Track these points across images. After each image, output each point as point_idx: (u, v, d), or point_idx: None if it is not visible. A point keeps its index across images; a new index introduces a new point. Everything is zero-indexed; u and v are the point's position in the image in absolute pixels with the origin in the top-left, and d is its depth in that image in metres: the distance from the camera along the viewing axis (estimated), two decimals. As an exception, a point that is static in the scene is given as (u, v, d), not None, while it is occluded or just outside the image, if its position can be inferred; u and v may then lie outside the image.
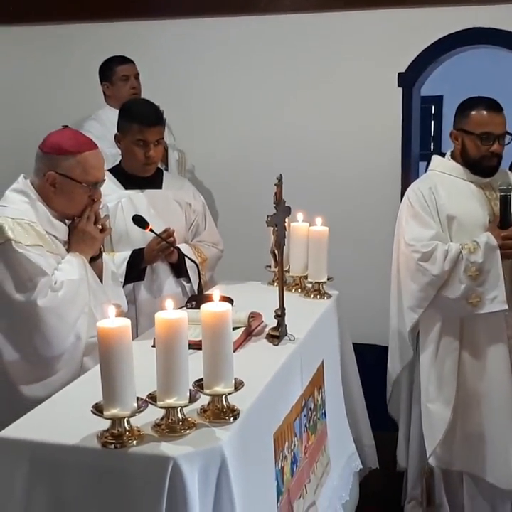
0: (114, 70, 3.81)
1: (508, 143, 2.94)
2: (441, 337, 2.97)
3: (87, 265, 2.44)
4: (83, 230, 2.45)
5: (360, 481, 2.90)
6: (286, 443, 2.13)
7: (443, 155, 3.13)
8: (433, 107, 6.53)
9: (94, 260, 2.51)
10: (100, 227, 2.49)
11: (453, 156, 3.03)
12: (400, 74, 3.93)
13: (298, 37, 4.05)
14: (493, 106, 2.91)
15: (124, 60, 3.83)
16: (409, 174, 4.01)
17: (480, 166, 2.93)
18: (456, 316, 2.95)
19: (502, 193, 2.90)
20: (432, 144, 6.61)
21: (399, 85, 3.94)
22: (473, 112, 2.91)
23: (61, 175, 2.38)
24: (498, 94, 2.99)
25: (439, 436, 2.96)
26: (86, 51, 4.27)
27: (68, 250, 2.44)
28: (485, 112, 2.89)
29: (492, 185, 2.98)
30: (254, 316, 2.41)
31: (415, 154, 4.11)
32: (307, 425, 2.36)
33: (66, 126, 2.50)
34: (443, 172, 3.02)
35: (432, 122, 6.59)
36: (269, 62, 4.10)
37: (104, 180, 2.50)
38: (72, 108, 4.02)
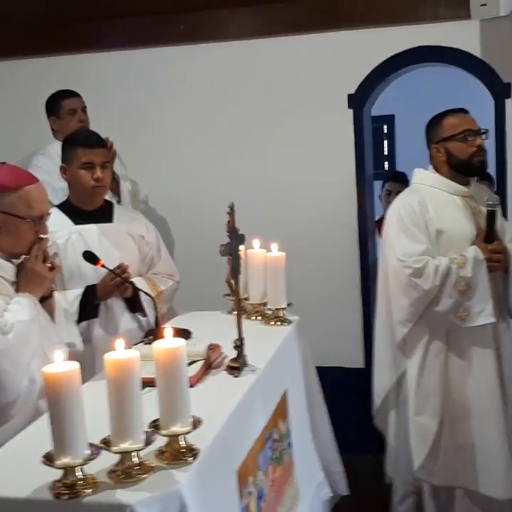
0: (60, 104, 3.76)
1: (486, 138, 3.01)
2: (428, 349, 2.97)
3: (38, 305, 2.36)
4: (32, 270, 2.37)
5: (331, 509, 2.85)
6: (251, 478, 2.07)
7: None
8: (385, 127, 6.58)
9: (45, 300, 2.43)
10: (50, 265, 2.42)
11: (438, 171, 3.05)
12: (349, 95, 3.95)
13: (245, 63, 4.05)
14: (460, 109, 3.04)
15: (70, 93, 3.78)
16: (364, 194, 4.02)
17: (471, 164, 2.97)
18: (443, 328, 2.96)
19: (489, 208, 2.95)
20: (387, 163, 6.66)
21: (349, 107, 3.96)
22: (447, 119, 3.01)
23: (4, 213, 2.30)
24: (449, 112, 3.07)
25: (426, 448, 2.95)
26: (32, 85, 4.21)
27: (17, 290, 2.36)
28: (456, 115, 3.01)
29: (474, 198, 3.03)
30: (212, 348, 2.36)
31: (369, 174, 4.12)
32: (273, 457, 2.30)
33: (3, 162, 2.43)
34: (429, 185, 3.04)
35: (385, 142, 6.64)
36: (217, 89, 4.09)
37: (49, 213, 2.43)
38: (19, 143, 3.95)
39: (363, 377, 3.53)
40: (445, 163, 3.01)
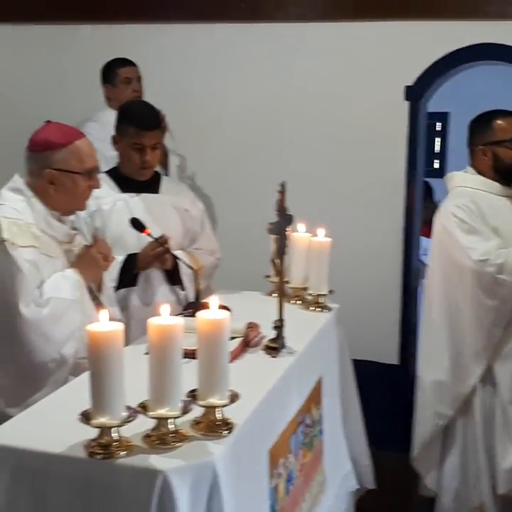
0: (116, 72, 3.76)
1: None
2: None
3: (84, 288, 2.35)
4: (91, 255, 2.40)
5: (356, 501, 2.81)
6: (282, 460, 2.04)
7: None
8: (439, 124, 6.46)
9: None
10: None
11: (481, 172, 2.98)
12: (407, 87, 3.87)
13: (303, 46, 3.99)
14: (510, 112, 2.95)
15: (126, 62, 3.78)
16: (414, 189, 3.94)
17: None
18: None
19: None
20: (439, 161, 6.53)
21: (406, 98, 3.88)
22: (498, 122, 2.92)
23: (57, 169, 2.30)
24: (505, 111, 3.01)
25: None
26: (89, 52, 4.20)
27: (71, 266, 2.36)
28: (507, 119, 2.92)
29: None
30: (251, 326, 2.33)
31: (420, 170, 4.04)
32: (304, 442, 2.27)
33: (48, 121, 2.44)
34: (473, 188, 2.96)
35: (438, 139, 6.51)
36: (273, 70, 4.04)
37: (99, 168, 2.44)
38: (73, 109, 3.93)
39: (396, 373, 3.49)
40: (490, 166, 2.94)
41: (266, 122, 4.07)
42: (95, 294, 2.45)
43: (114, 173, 2.99)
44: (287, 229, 2.33)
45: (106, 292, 2.55)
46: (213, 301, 1.75)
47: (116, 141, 2.95)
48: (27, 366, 2.21)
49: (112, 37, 4.17)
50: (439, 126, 6.50)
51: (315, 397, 2.43)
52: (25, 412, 1.83)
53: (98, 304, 2.42)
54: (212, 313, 1.71)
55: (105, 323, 1.58)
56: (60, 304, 2.23)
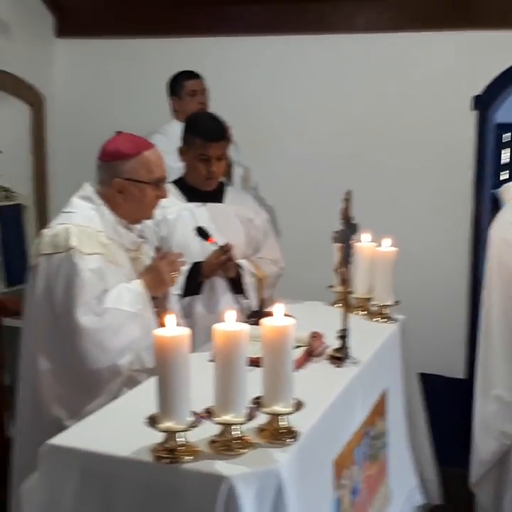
0: (182, 85, 3.81)
1: None
2: None
3: (148, 302, 2.35)
4: (158, 270, 2.40)
5: (421, 517, 2.75)
6: (346, 471, 2.01)
7: None
8: (507, 135, 6.30)
9: None
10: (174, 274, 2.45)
11: None
12: (475, 97, 3.80)
13: (370, 57, 3.97)
14: None
15: (192, 75, 3.83)
16: (481, 201, 3.86)
17: None
18: None
19: None
20: (508, 172, 6.37)
21: (474, 108, 3.82)
22: None
23: (126, 179, 2.35)
24: None
25: None
26: (156, 65, 4.30)
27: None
28: None
29: None
30: (315, 335, 2.32)
31: (488, 181, 3.96)
32: (368, 454, 2.24)
33: (119, 132, 2.48)
34: None
35: (506, 150, 6.36)
36: (340, 81, 4.04)
37: (167, 178, 2.46)
38: (142, 121, 4.02)
39: (463, 388, 3.40)
40: None
41: (330, 132, 4.07)
42: (161, 303, 2.47)
43: (180, 184, 3.02)
44: (352, 238, 2.30)
45: (170, 300, 2.57)
46: (278, 308, 1.75)
47: (182, 152, 2.98)
48: (82, 375, 2.23)
49: (179, 50, 4.26)
50: (507, 137, 6.35)
51: (380, 409, 2.39)
52: (94, 416, 1.86)
53: (164, 312, 2.43)
54: (277, 320, 1.70)
55: (172, 328, 1.59)
56: (118, 315, 2.25)
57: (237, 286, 2.97)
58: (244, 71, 4.21)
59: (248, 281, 2.93)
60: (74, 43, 4.58)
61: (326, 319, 2.44)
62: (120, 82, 4.49)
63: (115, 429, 1.76)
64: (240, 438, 1.62)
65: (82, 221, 2.30)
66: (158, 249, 2.57)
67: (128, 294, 2.30)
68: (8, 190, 3.79)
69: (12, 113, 4.37)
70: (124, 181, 2.34)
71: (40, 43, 4.56)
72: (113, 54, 4.49)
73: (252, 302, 2.93)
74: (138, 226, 2.52)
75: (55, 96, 4.63)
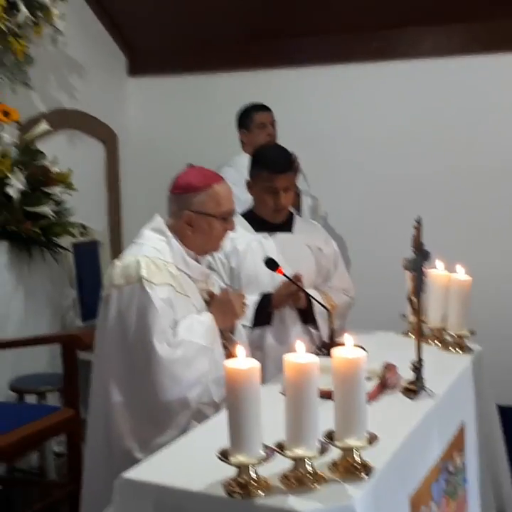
0: (251, 118, 3.85)
1: None
2: None
3: (218, 335, 2.37)
4: (229, 302, 2.42)
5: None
6: (424, 508, 1.94)
7: None
8: None
9: None
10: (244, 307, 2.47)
11: None
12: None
13: (438, 81, 3.93)
14: None
15: (261, 107, 3.86)
16: None
17: None
18: None
19: None
20: None
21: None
22: None
23: (196, 212, 2.38)
24: None
25: None
26: (223, 99, 4.38)
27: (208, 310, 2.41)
28: None
29: None
30: (388, 367, 2.27)
31: None
32: (446, 490, 2.15)
33: (191, 165, 2.52)
34: None
35: None
36: (407, 107, 4.01)
37: (235, 211, 2.48)
38: (210, 154, 4.08)
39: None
40: None
41: (399, 159, 4.03)
42: (227, 335, 2.47)
43: (249, 215, 3.04)
44: (424, 266, 2.26)
45: (238, 332, 2.58)
46: (348, 340, 1.72)
47: (250, 185, 3.00)
48: (153, 406, 2.24)
49: (245, 83, 4.33)
50: None
51: (457, 443, 2.31)
52: (167, 449, 1.86)
53: (232, 345, 2.44)
54: (348, 351, 1.67)
55: (243, 360, 1.58)
56: (191, 347, 2.26)
57: (307, 316, 2.95)
58: (310, 101, 4.23)
59: (318, 312, 2.91)
60: (145, 81, 4.73)
61: (399, 350, 2.40)
62: (189, 117, 4.60)
63: (188, 462, 1.76)
64: (312, 473, 1.59)
65: (152, 252, 2.34)
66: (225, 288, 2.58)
67: (199, 327, 2.32)
68: (84, 227, 3.90)
69: (87, 151, 4.52)
70: (192, 214, 2.38)
71: (113, 82, 4.72)
72: (182, 90, 4.61)
73: (323, 333, 2.90)
74: (207, 257, 2.55)
75: (127, 132, 4.78)
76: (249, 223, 3.02)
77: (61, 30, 3.81)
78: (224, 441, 1.58)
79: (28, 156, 3.60)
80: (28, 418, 2.84)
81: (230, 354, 2.37)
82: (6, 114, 3.60)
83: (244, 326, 2.78)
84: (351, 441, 1.63)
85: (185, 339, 2.26)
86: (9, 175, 3.45)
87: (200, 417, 2.23)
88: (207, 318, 2.36)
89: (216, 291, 2.53)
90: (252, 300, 2.88)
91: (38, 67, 3.82)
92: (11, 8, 3.50)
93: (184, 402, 2.24)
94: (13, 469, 3.41)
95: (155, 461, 1.80)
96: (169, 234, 2.40)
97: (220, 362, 2.31)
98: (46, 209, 3.54)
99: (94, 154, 4.62)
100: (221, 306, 2.42)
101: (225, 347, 2.41)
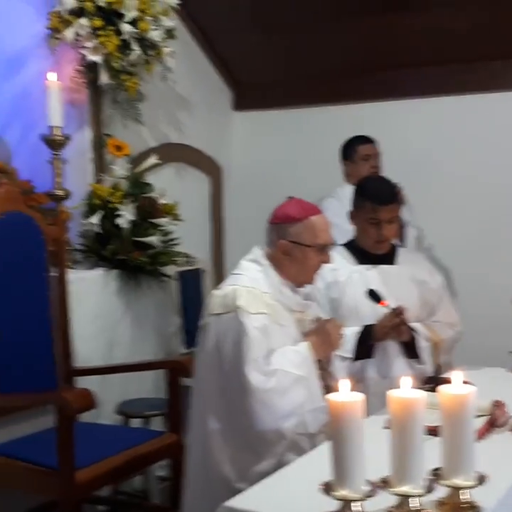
0: (355, 149, 3.84)
1: None
2: None
3: (313, 365, 2.36)
4: (328, 333, 2.43)
5: None
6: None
7: None
8: None
9: None
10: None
11: None
12: None
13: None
14: None
15: (366, 139, 3.86)
16: None
17: None
18: None
19: None
20: None
21: None
22: None
23: (292, 242, 2.41)
24: None
25: None
26: (324, 132, 4.41)
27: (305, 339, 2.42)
28: None
29: None
30: (498, 404, 2.20)
31: None
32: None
33: (291, 197, 2.57)
34: None
35: None
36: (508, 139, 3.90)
37: (332, 244, 2.49)
38: (311, 186, 4.11)
39: None
40: None
41: (507, 188, 3.92)
42: (323, 365, 2.46)
43: (350, 246, 3.03)
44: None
45: (336, 364, 2.57)
46: (456, 375, 1.68)
47: (352, 216, 2.99)
48: (249, 435, 2.25)
49: (346, 116, 4.34)
50: None
51: None
52: (267, 480, 1.87)
53: (327, 375, 2.43)
54: (456, 387, 1.64)
55: (346, 393, 1.58)
56: (286, 377, 2.26)
57: (410, 350, 2.88)
58: (415, 133, 4.20)
59: (423, 346, 2.84)
60: (249, 115, 4.83)
61: (508, 387, 2.36)
62: (293, 150, 4.65)
63: (288, 494, 1.76)
64: (419, 510, 1.55)
65: (249, 283, 2.39)
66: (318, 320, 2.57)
67: (295, 356, 2.32)
68: (188, 256, 4.00)
69: (193, 183, 4.65)
70: (289, 243, 2.41)
71: (218, 116, 4.84)
72: (285, 123, 4.67)
73: (427, 367, 2.83)
74: (305, 289, 2.56)
75: (232, 165, 4.88)
76: (351, 254, 3.01)
77: (171, 68, 3.92)
78: (324, 475, 1.56)
79: (138, 189, 3.73)
80: (133, 441, 2.87)
81: (325, 385, 2.36)
82: (119, 148, 3.77)
83: (345, 357, 2.77)
84: (458, 481, 1.59)
85: (280, 369, 2.27)
86: (120, 206, 3.60)
87: (296, 448, 2.22)
88: (303, 348, 2.36)
89: (312, 322, 2.53)
90: (353, 331, 2.86)
91: (148, 103, 3.96)
92: (125, 47, 3.66)
93: (279, 433, 2.24)
94: (118, 492, 3.49)
95: (256, 491, 1.81)
96: (266, 263, 2.44)
97: (316, 393, 2.30)
98: (154, 239, 3.66)
99: (200, 186, 4.75)
100: (318, 335, 2.42)
101: (322, 378, 2.40)
